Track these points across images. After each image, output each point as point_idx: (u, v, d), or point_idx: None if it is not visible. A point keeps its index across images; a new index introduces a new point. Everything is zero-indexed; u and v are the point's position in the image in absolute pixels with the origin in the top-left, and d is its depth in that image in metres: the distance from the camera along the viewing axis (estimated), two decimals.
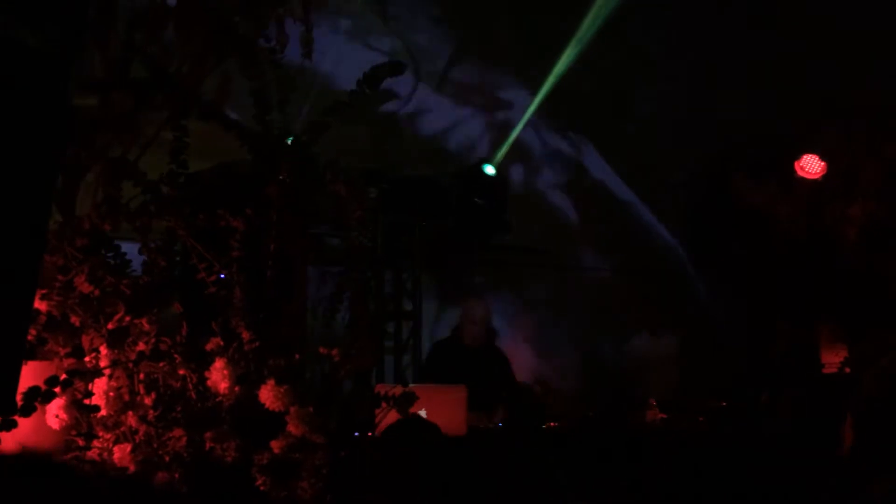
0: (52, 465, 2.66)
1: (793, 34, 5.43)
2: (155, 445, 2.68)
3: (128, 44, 3.09)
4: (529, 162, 6.61)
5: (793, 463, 4.10)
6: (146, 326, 2.74)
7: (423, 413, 3.36)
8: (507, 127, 6.39)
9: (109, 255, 2.79)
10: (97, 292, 2.71)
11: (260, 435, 2.66)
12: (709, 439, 4.32)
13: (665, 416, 4.27)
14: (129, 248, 2.88)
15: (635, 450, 4.02)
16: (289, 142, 3.11)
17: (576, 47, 5.92)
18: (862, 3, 5.28)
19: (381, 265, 5.58)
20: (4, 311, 2.05)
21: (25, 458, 2.65)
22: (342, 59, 5.13)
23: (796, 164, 5.21)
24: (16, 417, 2.34)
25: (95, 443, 2.70)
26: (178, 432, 2.67)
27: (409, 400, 2.85)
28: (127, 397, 2.74)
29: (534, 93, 6.28)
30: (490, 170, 5.83)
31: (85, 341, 2.75)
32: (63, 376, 2.60)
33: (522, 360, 6.08)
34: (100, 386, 2.74)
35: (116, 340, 2.72)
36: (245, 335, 2.77)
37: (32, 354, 2.61)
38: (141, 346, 2.74)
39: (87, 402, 2.70)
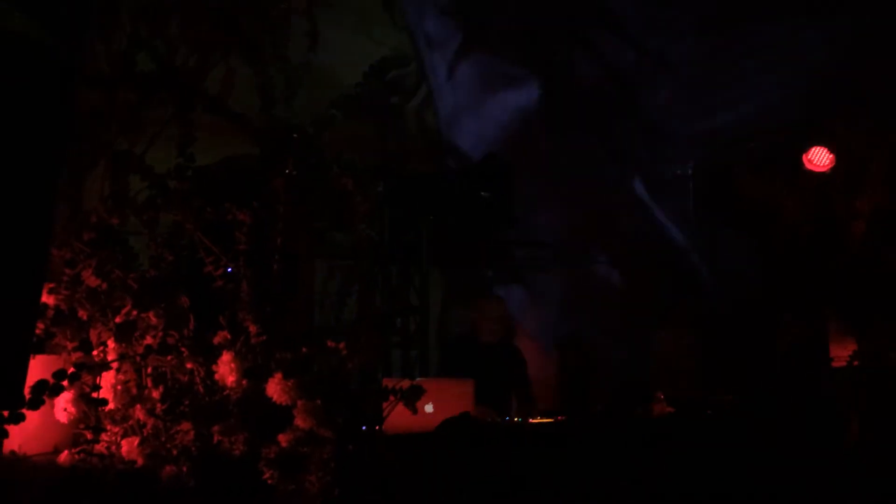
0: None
1: (801, 23, 5.40)
2: (163, 439, 2.68)
3: (133, 38, 3.09)
4: (536, 155, 6.58)
5: (799, 457, 4.08)
6: (154, 320, 2.74)
7: (429, 407, 3.36)
8: (515, 120, 6.36)
9: (117, 248, 2.80)
10: (104, 286, 2.71)
11: (267, 428, 2.66)
12: (716, 433, 4.30)
13: (673, 410, 4.25)
14: (137, 242, 2.89)
15: (642, 443, 4.01)
16: (295, 135, 3.11)
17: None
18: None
19: (388, 259, 5.57)
20: (12, 306, 2.05)
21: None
22: (346, 53, 5.13)
23: (804, 156, 5.18)
24: (24, 411, 2.34)
25: (103, 436, 2.71)
26: (185, 426, 2.68)
27: (416, 394, 2.85)
28: (135, 391, 2.75)
29: (542, 85, 6.26)
30: (497, 163, 5.80)
31: (92, 335, 2.75)
32: (71, 370, 2.60)
33: (531, 355, 6.08)
34: (107, 379, 2.74)
35: (124, 334, 2.72)
36: (252, 329, 2.77)
37: (40, 348, 2.62)
38: (148, 340, 2.74)
39: (94, 395, 2.70)
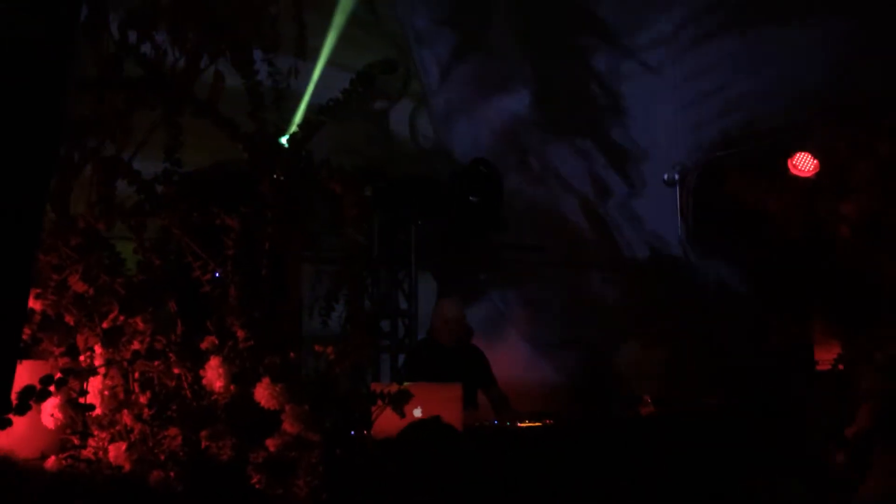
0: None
1: (786, 29, 5.44)
2: (150, 444, 2.68)
3: (121, 43, 3.08)
4: (528, 161, 6.61)
5: (784, 460, 4.12)
6: (141, 325, 2.74)
7: (418, 411, 3.36)
8: (505, 124, 6.38)
9: (104, 253, 2.79)
10: (91, 291, 2.71)
11: (255, 433, 2.66)
12: (702, 435, 4.33)
13: (657, 411, 4.28)
14: (124, 247, 2.89)
15: (627, 446, 4.03)
16: (283, 140, 3.11)
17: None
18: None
19: (377, 263, 5.58)
20: None
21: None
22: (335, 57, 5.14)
23: (789, 161, 5.22)
24: (11, 416, 2.34)
25: (91, 442, 2.71)
26: (173, 431, 2.68)
27: (404, 398, 2.86)
28: (122, 396, 2.75)
29: (532, 89, 6.28)
30: (483, 168, 5.81)
31: (79, 340, 2.75)
32: (58, 375, 2.60)
33: (520, 357, 6.09)
34: (95, 385, 2.74)
35: (111, 339, 2.72)
36: (240, 333, 2.77)
37: (27, 353, 2.62)
38: (136, 345, 2.74)
39: (81, 400, 2.70)
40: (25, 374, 2.51)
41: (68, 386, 2.64)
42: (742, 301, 6.01)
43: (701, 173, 6.36)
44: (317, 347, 2.85)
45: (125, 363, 2.74)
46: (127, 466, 2.64)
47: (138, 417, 2.71)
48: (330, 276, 3.13)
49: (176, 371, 2.76)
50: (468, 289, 6.23)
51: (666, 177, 6.39)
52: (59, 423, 2.70)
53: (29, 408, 2.45)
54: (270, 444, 2.64)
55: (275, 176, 3.01)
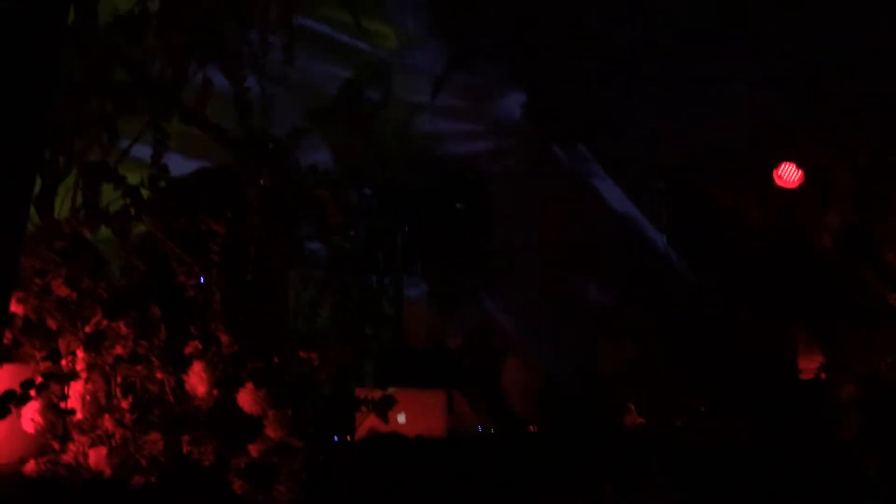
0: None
1: (772, 40, 5.50)
2: (132, 449, 2.67)
3: (108, 48, 3.08)
4: (514, 165, 6.64)
5: (771, 466, 4.13)
6: (124, 330, 2.73)
7: (402, 417, 3.37)
8: (493, 132, 6.41)
9: (88, 257, 2.79)
10: (74, 295, 2.71)
11: (237, 438, 2.66)
12: (688, 442, 4.35)
13: (643, 421, 4.30)
14: (107, 250, 2.88)
15: (611, 454, 4.05)
16: (270, 146, 3.13)
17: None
18: (839, 12, 5.35)
19: (362, 269, 5.58)
20: None
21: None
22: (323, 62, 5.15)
23: (774, 172, 5.26)
24: None
25: (71, 446, 2.70)
26: (155, 436, 2.67)
27: (388, 404, 2.87)
28: (103, 401, 2.74)
29: (523, 95, 6.32)
30: (470, 174, 5.85)
31: (62, 344, 2.74)
32: (39, 379, 2.59)
33: (508, 364, 6.09)
34: (76, 389, 2.73)
35: (93, 344, 2.72)
36: (224, 338, 2.77)
37: (8, 357, 2.61)
38: (118, 350, 2.73)
39: (62, 405, 2.69)
40: (6, 377, 2.51)
41: (49, 390, 2.64)
42: (723, 308, 6.05)
43: (685, 181, 6.40)
44: (301, 353, 2.86)
45: (107, 367, 2.73)
46: (107, 471, 2.64)
47: (120, 422, 2.70)
48: (315, 282, 3.14)
49: (159, 376, 2.76)
50: (457, 294, 6.24)
51: (651, 185, 6.44)
52: (39, 428, 2.69)
53: (9, 412, 2.45)
54: (252, 449, 2.64)
55: (261, 182, 3.01)
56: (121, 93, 3.10)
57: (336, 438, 3.01)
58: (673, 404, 4.78)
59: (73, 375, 2.70)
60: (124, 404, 2.72)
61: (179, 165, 3.13)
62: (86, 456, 2.67)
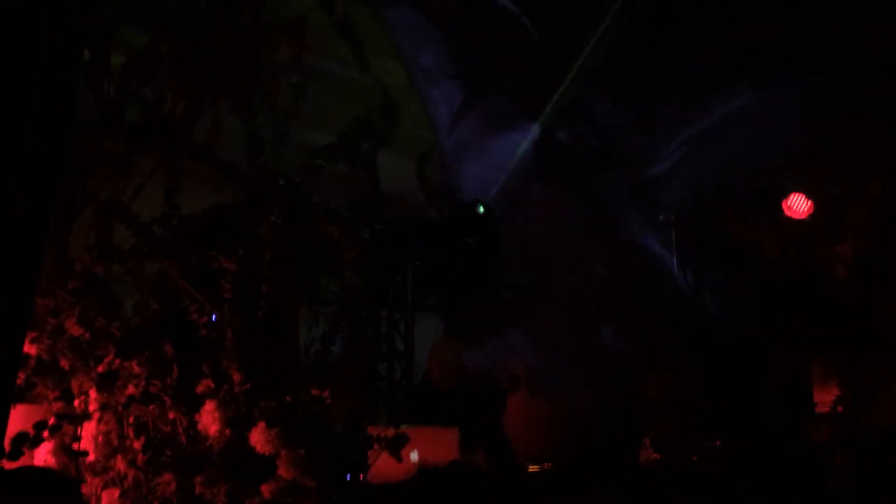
0: None
1: (779, 69, 5.54)
2: (144, 490, 2.64)
3: (121, 87, 3.12)
4: (525, 200, 6.66)
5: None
6: (136, 369, 2.72)
7: (414, 455, 3.33)
8: (515, 164, 6.45)
9: (101, 296, 2.79)
10: (87, 335, 2.70)
11: (250, 479, 2.63)
12: (702, 479, 4.29)
13: (658, 457, 4.24)
14: (120, 290, 2.88)
15: (627, 491, 3.99)
16: (281, 183, 3.13)
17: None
18: (845, 38, 5.40)
19: (374, 305, 5.57)
20: None
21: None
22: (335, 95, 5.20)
23: (784, 203, 5.27)
24: (3, 462, 2.31)
25: (84, 488, 2.67)
26: (167, 477, 2.64)
27: (400, 442, 2.84)
28: (116, 441, 2.71)
29: (539, 133, 6.37)
30: (481, 209, 5.87)
31: (74, 385, 2.73)
32: (52, 420, 2.57)
33: (522, 399, 6.04)
34: (88, 430, 2.71)
35: (106, 384, 2.70)
36: (236, 377, 2.75)
37: (21, 398, 2.60)
38: (131, 390, 2.72)
39: (75, 446, 2.67)
40: (19, 418, 2.49)
41: (62, 431, 2.62)
42: (738, 339, 6.01)
43: (697, 213, 6.41)
44: (313, 391, 2.84)
45: (120, 408, 2.71)
46: None
47: (132, 463, 2.67)
48: (327, 318, 3.13)
49: (171, 415, 2.74)
50: (472, 330, 6.22)
51: (662, 217, 6.44)
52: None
53: (22, 454, 2.43)
54: (265, 489, 2.61)
55: (272, 219, 3.02)
56: (133, 131, 3.13)
57: (349, 477, 2.98)
58: (689, 440, 4.72)
59: (86, 416, 2.68)
60: (137, 445, 2.69)
61: (191, 203, 3.15)
62: (99, 498, 2.64)
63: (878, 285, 4.68)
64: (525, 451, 4.63)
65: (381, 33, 5.97)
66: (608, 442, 5.22)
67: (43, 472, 2.65)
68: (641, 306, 6.55)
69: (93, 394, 2.71)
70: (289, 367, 3.03)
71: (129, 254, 2.86)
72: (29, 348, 2.64)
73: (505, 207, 6.13)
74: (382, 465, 2.91)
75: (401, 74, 6.20)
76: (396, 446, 2.83)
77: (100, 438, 2.70)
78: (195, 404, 2.72)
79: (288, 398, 2.80)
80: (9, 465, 2.39)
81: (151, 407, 2.73)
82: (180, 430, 2.72)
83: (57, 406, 2.67)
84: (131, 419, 2.74)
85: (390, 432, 2.84)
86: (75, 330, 2.67)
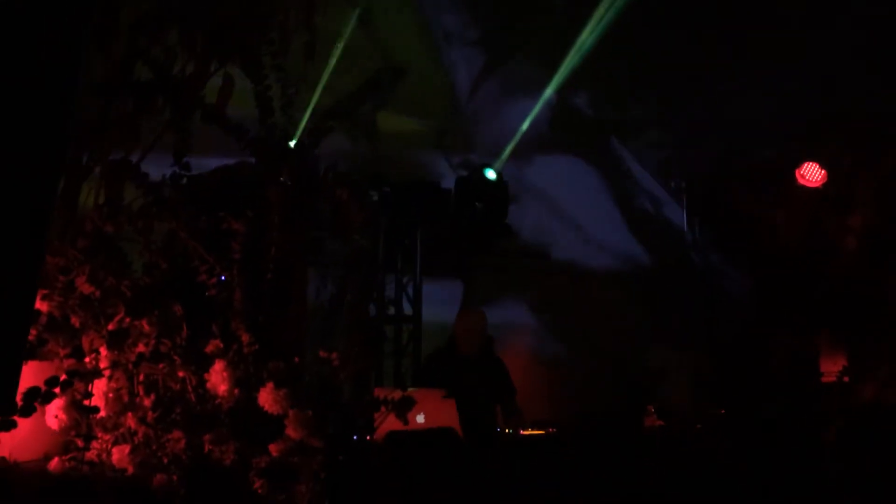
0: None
1: (794, 41, 5.45)
2: (154, 447, 2.68)
3: (131, 47, 3.10)
4: (536, 163, 6.62)
5: (783, 467, 4.11)
6: (146, 328, 2.74)
7: (420, 418, 3.37)
8: (530, 129, 6.39)
9: (111, 255, 2.80)
10: (98, 293, 2.72)
11: (258, 438, 2.67)
12: (706, 446, 4.32)
13: (663, 424, 4.27)
14: (131, 249, 2.89)
15: (633, 455, 4.03)
16: (291, 145, 3.13)
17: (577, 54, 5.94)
18: (861, 12, 5.30)
19: (382, 269, 5.58)
20: (5, 312, 2.05)
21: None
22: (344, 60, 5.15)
23: (797, 171, 5.22)
24: (15, 418, 2.35)
25: (94, 444, 2.71)
26: (176, 434, 2.68)
27: (407, 404, 2.86)
28: (126, 399, 2.75)
29: (554, 101, 6.30)
30: (491, 174, 5.84)
31: (85, 342, 2.75)
32: (63, 377, 2.60)
33: (527, 366, 6.08)
34: (99, 387, 2.74)
35: (116, 342, 2.73)
36: (245, 338, 2.78)
37: (33, 355, 2.62)
38: (141, 348, 2.74)
39: (86, 403, 2.70)
40: (31, 375, 2.52)
41: (73, 388, 2.65)
42: (746, 311, 6.01)
43: (707, 183, 6.37)
44: (321, 353, 2.86)
45: (130, 366, 2.74)
46: (130, 469, 2.64)
47: (142, 420, 2.71)
48: (335, 281, 3.14)
49: (180, 374, 2.77)
50: (472, 295, 6.23)
51: (673, 185, 6.40)
52: (63, 425, 2.70)
53: (34, 409, 2.46)
54: (273, 449, 2.64)
55: (282, 181, 3.02)
56: (143, 91, 3.11)
57: (355, 438, 3.01)
58: (694, 408, 4.75)
59: (97, 373, 2.71)
60: (147, 402, 2.73)
61: (200, 164, 3.14)
62: (109, 454, 2.68)
63: (888, 256, 4.66)
64: (530, 417, 4.67)
65: None
66: (613, 409, 5.26)
67: None
68: (651, 275, 6.55)
69: (103, 351, 2.74)
70: (297, 328, 3.05)
71: (138, 213, 2.87)
72: (40, 305, 2.66)
73: (519, 173, 6.09)
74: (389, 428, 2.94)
75: (415, 36, 6.11)
76: (403, 409, 2.85)
77: (110, 395, 2.73)
78: (204, 364, 2.75)
79: (296, 359, 2.83)
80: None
81: (161, 365, 2.75)
82: (190, 388, 2.76)
83: (68, 363, 2.69)
84: (141, 377, 2.77)
85: (397, 395, 2.87)
86: (86, 288, 2.69)
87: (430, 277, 5.94)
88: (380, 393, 2.93)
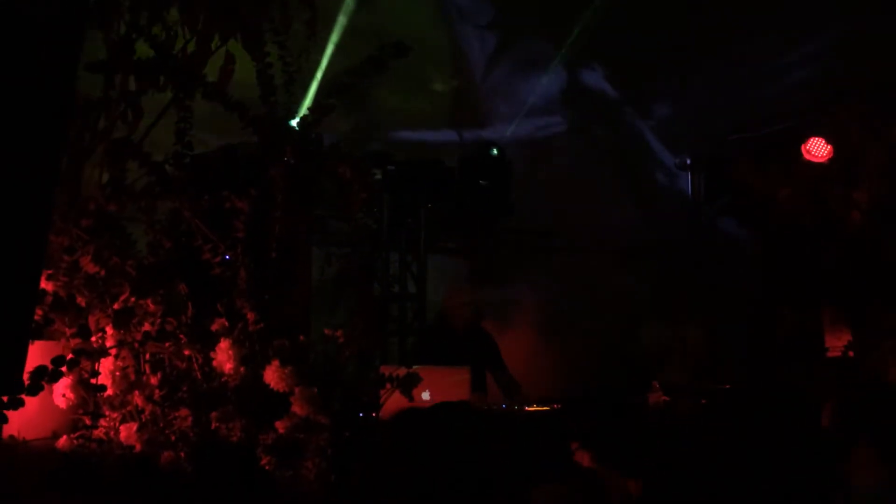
0: None
1: (798, 14, 5.40)
2: (161, 425, 2.70)
3: (132, 25, 3.07)
4: (543, 142, 6.59)
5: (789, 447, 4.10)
6: (152, 307, 2.75)
7: (426, 395, 3.38)
8: (540, 106, 6.36)
9: (115, 235, 2.80)
10: (103, 272, 2.72)
11: (265, 415, 2.68)
12: (710, 421, 4.32)
13: (668, 399, 4.27)
14: (135, 228, 2.89)
15: (637, 430, 4.03)
16: (294, 123, 3.11)
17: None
18: None
19: (386, 247, 5.58)
20: (11, 291, 2.06)
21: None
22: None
23: (802, 146, 5.18)
24: (23, 396, 2.36)
25: (102, 422, 2.73)
26: (183, 412, 2.70)
27: (412, 381, 2.87)
28: (133, 377, 2.76)
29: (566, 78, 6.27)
30: (495, 151, 5.81)
31: (91, 321, 2.77)
32: (70, 356, 2.62)
33: (531, 343, 6.09)
34: (106, 366, 2.76)
35: (122, 321, 2.74)
36: (250, 316, 2.78)
37: (39, 334, 2.64)
38: (147, 327, 2.75)
39: (93, 381, 2.72)
40: (37, 354, 2.53)
41: (80, 366, 2.66)
42: (752, 286, 6.00)
43: (713, 158, 6.33)
44: (326, 331, 2.86)
45: (136, 344, 2.75)
46: (138, 447, 2.67)
47: (149, 398, 2.73)
48: (339, 260, 3.14)
49: (186, 353, 2.78)
50: (475, 272, 6.23)
51: (677, 161, 6.37)
52: (70, 404, 2.72)
53: (41, 388, 2.48)
54: (279, 426, 2.66)
55: (285, 160, 3.00)
56: (144, 69, 3.09)
57: (361, 415, 3.02)
58: (699, 383, 4.76)
59: (103, 352, 2.72)
60: (153, 381, 2.74)
61: (203, 143, 3.13)
62: (117, 432, 2.70)
63: (891, 233, 4.64)
64: (533, 392, 4.68)
65: None
66: (617, 385, 5.27)
67: None
68: (658, 251, 6.53)
69: (109, 330, 2.75)
70: (301, 306, 3.06)
71: (141, 193, 2.86)
72: (46, 285, 2.67)
73: (527, 150, 6.06)
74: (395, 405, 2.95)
75: (428, 12, 6.06)
76: (408, 386, 2.86)
77: (117, 374, 2.75)
78: (210, 342, 2.76)
79: (301, 337, 2.83)
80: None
81: (167, 344, 2.77)
82: (196, 366, 2.77)
83: (75, 342, 2.71)
84: (148, 356, 2.78)
85: (402, 372, 2.87)
86: (90, 267, 2.70)
87: (434, 255, 5.93)
88: (385, 370, 2.94)
